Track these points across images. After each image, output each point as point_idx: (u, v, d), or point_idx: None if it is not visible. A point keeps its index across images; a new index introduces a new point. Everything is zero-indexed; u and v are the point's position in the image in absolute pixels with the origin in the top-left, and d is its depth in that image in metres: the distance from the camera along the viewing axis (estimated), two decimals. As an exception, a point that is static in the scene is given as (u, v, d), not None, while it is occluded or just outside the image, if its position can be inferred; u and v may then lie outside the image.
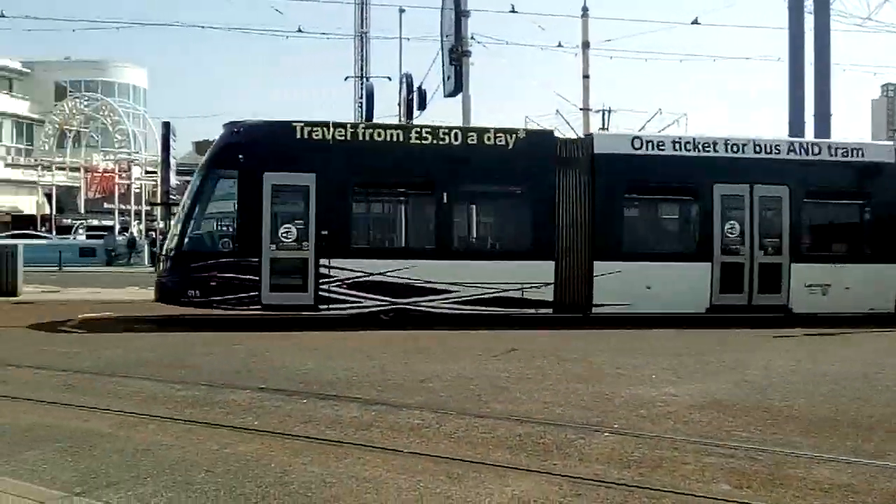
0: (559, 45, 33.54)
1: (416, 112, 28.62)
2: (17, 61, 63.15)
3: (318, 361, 11.27)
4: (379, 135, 16.00)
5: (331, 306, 15.41)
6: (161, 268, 16.09)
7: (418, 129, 16.47)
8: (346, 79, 49.86)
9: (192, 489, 5.58)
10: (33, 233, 45.55)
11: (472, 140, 16.10)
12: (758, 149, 16.85)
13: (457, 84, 24.09)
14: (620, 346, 12.99)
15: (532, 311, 15.88)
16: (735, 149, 16.76)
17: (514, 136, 16.28)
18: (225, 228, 16.45)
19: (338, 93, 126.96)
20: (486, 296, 15.68)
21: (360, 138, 15.82)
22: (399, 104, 32.57)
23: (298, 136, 15.55)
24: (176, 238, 15.79)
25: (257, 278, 15.02)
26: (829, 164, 17.04)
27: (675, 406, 8.40)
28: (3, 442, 6.81)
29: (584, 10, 30.82)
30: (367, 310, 15.52)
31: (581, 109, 31.28)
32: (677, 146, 16.74)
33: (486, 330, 14.68)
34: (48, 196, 55.48)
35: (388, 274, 15.46)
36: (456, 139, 16.03)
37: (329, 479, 5.82)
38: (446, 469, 6.10)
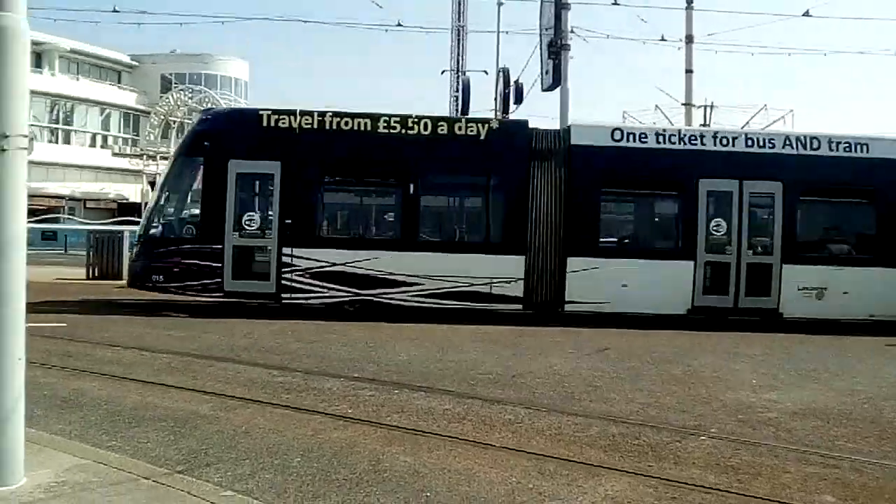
0: (662, 39, 32.81)
1: (512, 106, 28.46)
2: (126, 55, 65.68)
3: (411, 353, 11.36)
4: (346, 123, 15.68)
5: (293, 296, 15.36)
6: (133, 252, 16.40)
7: (387, 118, 15.81)
8: (442, 72, 50.04)
9: (288, 472, 5.69)
10: (138, 220, 47.10)
11: (443, 130, 15.84)
12: (749, 142, 16.05)
13: (555, 78, 23.85)
14: (718, 349, 12.68)
15: (501, 306, 15.63)
16: (724, 142, 16.03)
17: (486, 126, 16.02)
18: (190, 215, 16.51)
19: (434, 86, 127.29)
20: (452, 289, 15.33)
21: (328, 126, 15.65)
22: (495, 98, 32.50)
23: (265, 123, 15.59)
24: (145, 224, 16.27)
25: (220, 265, 15.14)
26: (830, 159, 15.93)
27: (776, 412, 8.14)
28: (110, 419, 7.08)
29: (689, 1, 30.17)
30: (330, 300, 15.47)
31: (683, 105, 30.67)
32: (661, 139, 16.07)
33: (573, 327, 14.55)
34: (152, 184, 57.37)
35: (352, 264, 15.30)
36: (426, 129, 15.75)
37: (421, 469, 5.84)
38: (538, 465, 6.06)
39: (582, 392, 8.94)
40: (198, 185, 16.36)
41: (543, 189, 15.73)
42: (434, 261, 15.39)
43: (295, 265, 15.26)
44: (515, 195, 15.74)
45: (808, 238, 16.55)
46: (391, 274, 15.31)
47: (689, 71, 30.13)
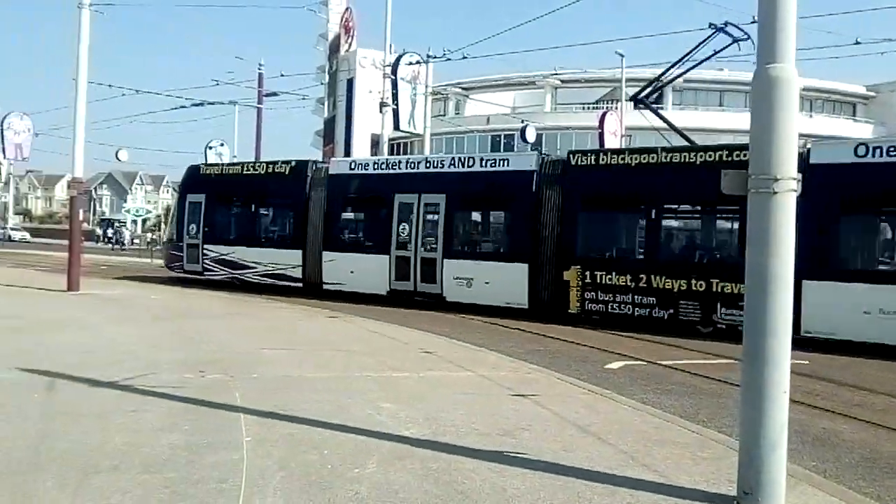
0: None
1: None
2: (861, 86, 63.94)
3: None
4: (230, 169, 25.52)
5: (208, 274, 24.02)
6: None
7: (250, 165, 25.30)
8: None
9: None
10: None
11: (263, 170, 24.04)
12: (427, 164, 20.66)
13: None
14: None
15: (293, 284, 22.23)
16: (412, 166, 20.87)
17: (287, 165, 23.22)
18: (174, 227, 25.90)
19: None
20: (271, 272, 22.81)
21: (223, 172, 25.54)
22: None
23: (201, 172, 25.74)
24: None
25: (182, 255, 24.68)
26: (477, 174, 19.45)
27: None
28: (865, 465, 6.90)
29: None
30: (223, 277, 23.67)
31: None
32: (376, 166, 21.57)
33: None
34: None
35: (229, 255, 23.67)
36: (255, 169, 24.41)
37: None
38: None
39: None
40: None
41: (314, 205, 22.09)
42: (262, 253, 23.14)
43: (208, 255, 24.07)
44: (300, 210, 22.40)
45: (462, 238, 20.24)
46: (245, 261, 23.34)
47: None
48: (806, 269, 12.66)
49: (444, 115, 62.60)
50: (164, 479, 5.40)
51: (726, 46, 16.91)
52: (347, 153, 56.18)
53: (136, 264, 36.13)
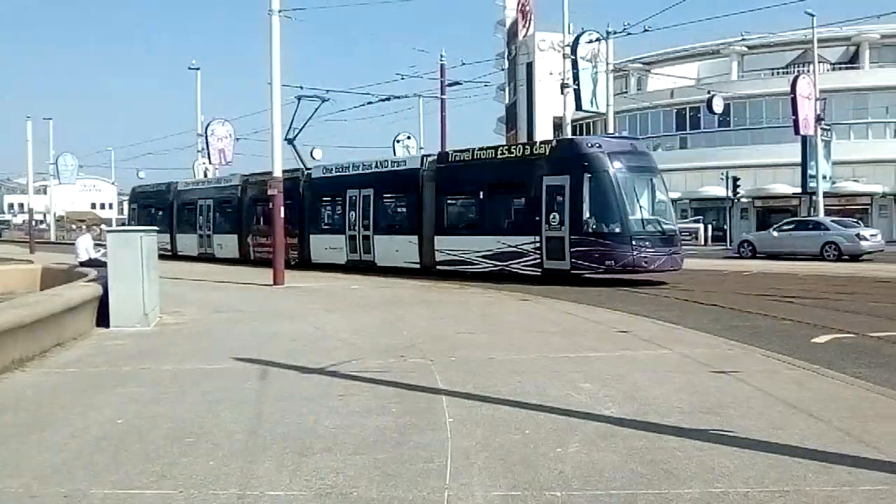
0: None
1: None
2: None
3: None
4: (156, 187, 43.86)
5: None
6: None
7: (169, 184, 42.29)
8: None
9: None
10: None
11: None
12: (221, 181, 38.37)
13: None
14: None
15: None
16: (224, 182, 37.42)
17: (160, 185, 42.79)
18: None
19: None
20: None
21: (150, 189, 44.54)
22: None
23: (138, 191, 46.12)
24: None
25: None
26: (223, 186, 36.60)
27: None
28: None
29: None
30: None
31: None
32: (195, 184, 41.66)
33: None
34: None
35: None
36: (167, 188, 41.79)
37: None
38: None
39: None
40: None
41: (176, 209, 39.77)
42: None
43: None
44: (167, 211, 39.70)
45: (217, 225, 36.63)
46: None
47: None
48: (308, 230, 29.85)
49: (627, 92, 61.30)
50: (374, 460, 5.60)
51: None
52: (530, 137, 56.26)
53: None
